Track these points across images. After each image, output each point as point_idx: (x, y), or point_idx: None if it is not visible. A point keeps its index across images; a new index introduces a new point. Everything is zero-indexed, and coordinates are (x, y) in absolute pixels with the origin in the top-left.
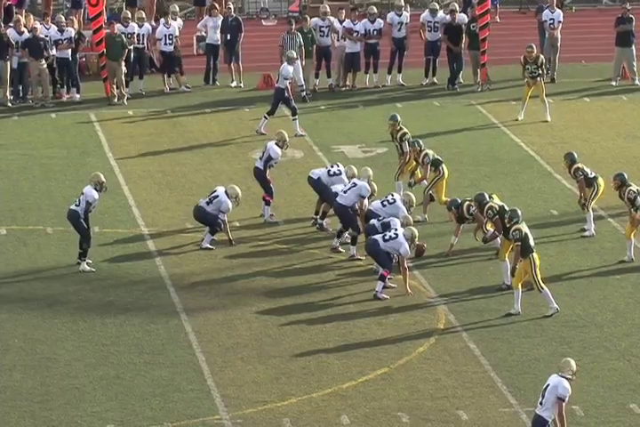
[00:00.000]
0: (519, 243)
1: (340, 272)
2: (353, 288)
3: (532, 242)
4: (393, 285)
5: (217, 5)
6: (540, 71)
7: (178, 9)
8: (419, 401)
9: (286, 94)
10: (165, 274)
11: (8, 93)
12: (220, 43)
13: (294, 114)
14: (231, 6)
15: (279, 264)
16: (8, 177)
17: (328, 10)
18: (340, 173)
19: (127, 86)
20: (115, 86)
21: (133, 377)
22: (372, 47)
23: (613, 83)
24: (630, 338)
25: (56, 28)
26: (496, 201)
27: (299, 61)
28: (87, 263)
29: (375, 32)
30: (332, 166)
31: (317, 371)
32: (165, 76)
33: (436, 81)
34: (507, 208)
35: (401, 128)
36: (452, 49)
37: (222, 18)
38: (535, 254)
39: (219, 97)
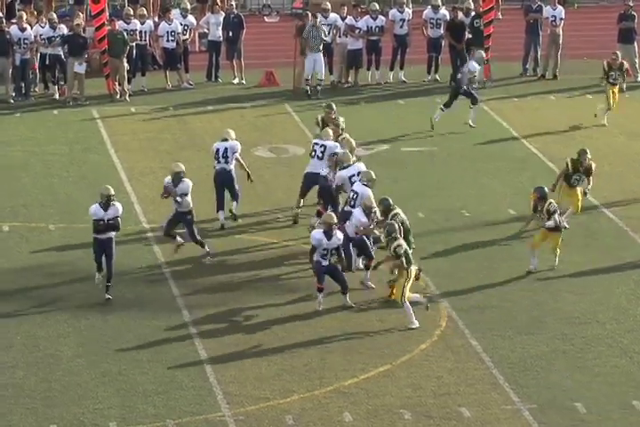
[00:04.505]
0: (400, 258)
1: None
2: (356, 285)
3: (411, 256)
4: (372, 285)
5: (219, 2)
6: (621, 79)
7: (189, 5)
8: (421, 398)
9: (465, 88)
10: (167, 270)
11: (10, 90)
12: (221, 39)
13: (474, 103)
14: (233, 3)
15: (282, 260)
16: (10, 173)
17: (329, 6)
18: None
19: (129, 83)
20: (117, 83)
21: (136, 374)
22: (373, 44)
23: None
24: (632, 335)
25: (49, 26)
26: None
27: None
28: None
29: (377, 29)
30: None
31: (319, 368)
32: (167, 72)
33: (438, 78)
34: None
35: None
36: (455, 46)
37: (224, 14)
38: (413, 267)
39: (221, 94)
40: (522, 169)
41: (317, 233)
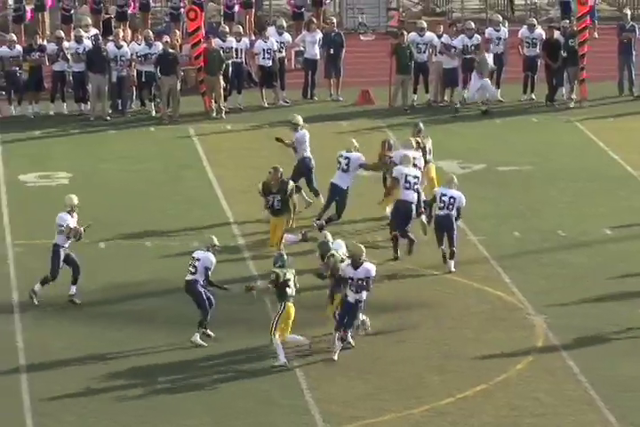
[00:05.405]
0: (272, 285)
1: (438, 288)
2: (451, 304)
3: (290, 291)
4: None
5: (315, 20)
6: None
7: (285, 23)
8: (518, 418)
9: None
10: (262, 288)
11: (107, 107)
12: (318, 57)
13: None
14: (334, 21)
15: (377, 280)
16: (106, 190)
17: (425, 25)
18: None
19: (225, 101)
20: (213, 101)
21: (231, 391)
22: (469, 62)
23: None
24: None
25: (145, 43)
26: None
27: None
28: (202, 333)
29: (473, 47)
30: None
31: (416, 387)
32: (263, 90)
33: (534, 97)
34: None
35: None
36: (551, 65)
37: (322, 32)
38: (290, 304)
39: (317, 112)
40: (618, 189)
41: (345, 264)
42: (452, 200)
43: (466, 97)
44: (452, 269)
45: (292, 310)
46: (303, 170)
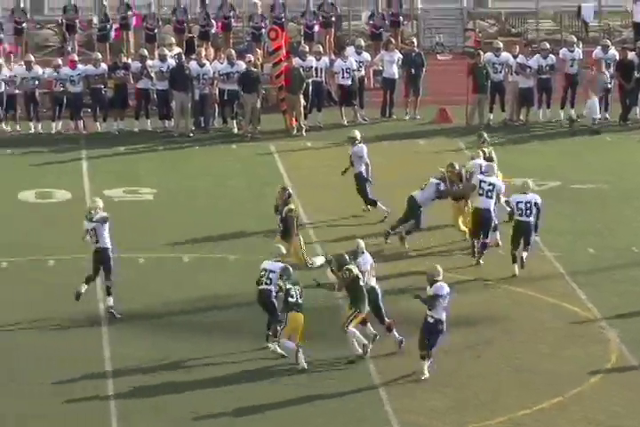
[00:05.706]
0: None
1: (507, 302)
2: (522, 319)
3: (292, 300)
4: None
5: (393, 40)
6: None
7: (363, 43)
8: None
9: None
10: (341, 303)
11: (190, 124)
12: (396, 77)
13: None
14: (414, 41)
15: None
16: (191, 206)
17: (501, 45)
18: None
19: (306, 118)
20: (294, 119)
21: (309, 405)
22: (544, 82)
23: None
24: None
25: (227, 62)
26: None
27: None
28: (279, 345)
29: (548, 67)
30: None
31: (491, 400)
32: (343, 108)
33: (608, 117)
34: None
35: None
36: (625, 85)
37: (400, 52)
38: (292, 314)
39: (395, 130)
40: None
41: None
42: (527, 205)
43: (592, 115)
44: (517, 273)
45: (299, 318)
46: (360, 184)
